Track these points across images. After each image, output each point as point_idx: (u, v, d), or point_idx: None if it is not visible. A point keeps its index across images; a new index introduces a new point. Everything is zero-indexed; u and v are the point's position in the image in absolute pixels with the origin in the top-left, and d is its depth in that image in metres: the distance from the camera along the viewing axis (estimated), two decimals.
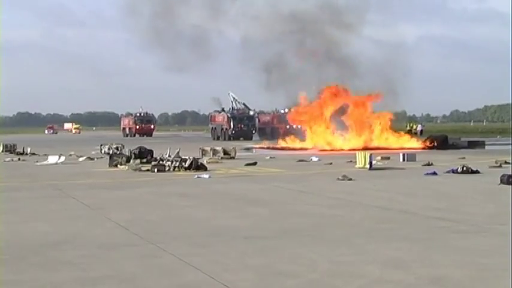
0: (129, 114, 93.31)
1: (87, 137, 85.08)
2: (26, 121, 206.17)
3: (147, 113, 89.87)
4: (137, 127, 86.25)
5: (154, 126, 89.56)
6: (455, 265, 7.85)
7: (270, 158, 30.85)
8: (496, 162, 24.17)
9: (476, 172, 20.76)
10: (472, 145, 41.45)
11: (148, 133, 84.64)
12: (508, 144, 42.82)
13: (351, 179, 18.74)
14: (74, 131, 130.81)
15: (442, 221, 11.32)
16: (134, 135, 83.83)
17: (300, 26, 49.67)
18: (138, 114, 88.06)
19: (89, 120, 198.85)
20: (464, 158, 28.22)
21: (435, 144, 39.88)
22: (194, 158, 23.56)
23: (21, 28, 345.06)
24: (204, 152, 30.28)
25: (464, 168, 20.90)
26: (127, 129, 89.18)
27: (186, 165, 22.61)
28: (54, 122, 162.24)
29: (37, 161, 28.66)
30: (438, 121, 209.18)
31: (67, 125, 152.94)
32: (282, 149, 40.48)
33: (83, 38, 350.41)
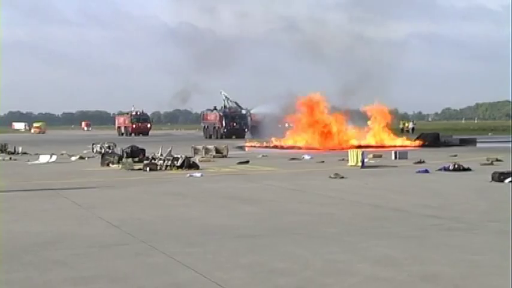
0: (124, 113, 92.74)
1: (79, 136, 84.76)
2: (18, 120, 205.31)
3: (142, 111, 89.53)
4: (133, 126, 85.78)
5: (151, 125, 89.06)
6: (447, 262, 7.87)
7: (262, 156, 30.86)
8: (488, 160, 24.28)
9: (468, 170, 20.85)
10: (463, 143, 41.63)
11: (145, 132, 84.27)
12: (499, 141, 43.02)
13: (343, 177, 18.77)
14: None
15: (434, 218, 11.35)
16: (130, 134, 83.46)
17: (290, 25, 49.84)
18: (134, 113, 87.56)
19: (81, 119, 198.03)
20: (456, 155, 28.31)
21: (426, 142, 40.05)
22: (186, 157, 23.53)
23: (7, 26, 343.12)
24: (196, 151, 30.25)
25: (456, 166, 20.98)
26: (122, 128, 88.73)
27: (178, 164, 22.59)
28: (46, 120, 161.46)
29: (28, 160, 28.56)
30: (430, 119, 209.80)
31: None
32: (275, 147, 40.51)
33: (70, 37, 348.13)
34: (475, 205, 13.03)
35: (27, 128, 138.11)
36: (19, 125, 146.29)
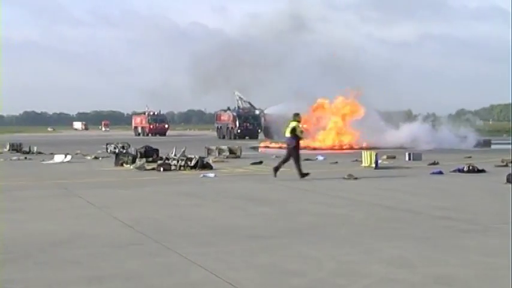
0: (140, 113, 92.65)
1: (94, 136, 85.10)
2: (33, 120, 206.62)
3: (160, 112, 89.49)
4: (150, 126, 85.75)
5: (168, 126, 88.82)
6: (461, 264, 7.84)
7: (276, 157, 30.83)
8: (502, 161, 24.13)
9: (482, 171, 20.74)
10: (478, 144, 41.37)
11: (162, 132, 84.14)
12: None
13: (356, 178, 18.74)
14: None
15: (447, 220, 11.31)
16: (147, 135, 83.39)
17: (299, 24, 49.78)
18: (151, 113, 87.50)
19: (96, 119, 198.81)
20: (470, 157, 28.18)
21: None
22: (200, 157, 23.58)
23: (19, 26, 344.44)
24: (209, 151, 30.32)
25: (470, 168, 20.88)
26: (139, 128, 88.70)
27: (192, 164, 22.65)
28: (61, 121, 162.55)
29: (43, 160, 28.74)
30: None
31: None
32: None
33: (81, 37, 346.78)
34: (489, 207, 12.96)
35: (83, 127, 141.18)
36: (77, 125, 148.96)
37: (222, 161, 27.12)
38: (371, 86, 44.04)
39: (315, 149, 37.77)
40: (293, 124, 19.24)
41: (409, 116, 51.71)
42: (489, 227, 10.56)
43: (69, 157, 28.91)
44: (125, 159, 25.23)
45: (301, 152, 34.71)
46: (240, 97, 70.70)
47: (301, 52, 49.00)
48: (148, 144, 29.15)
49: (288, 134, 19.34)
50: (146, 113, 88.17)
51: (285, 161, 19.55)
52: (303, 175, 18.93)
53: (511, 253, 8.20)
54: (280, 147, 40.33)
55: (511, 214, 11.39)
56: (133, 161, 24.61)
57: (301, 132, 19.47)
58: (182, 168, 22.50)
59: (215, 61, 67.95)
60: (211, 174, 20.46)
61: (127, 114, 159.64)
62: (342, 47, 46.98)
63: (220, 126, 69.92)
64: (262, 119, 67.50)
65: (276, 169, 19.18)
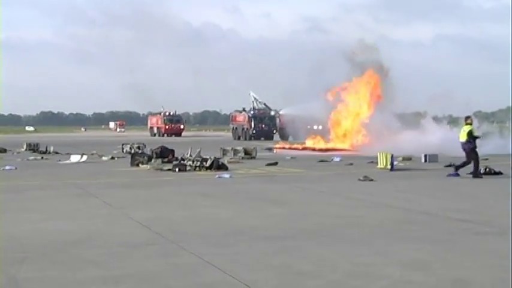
0: (156, 114, 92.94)
1: (110, 137, 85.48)
2: (49, 120, 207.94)
3: (175, 112, 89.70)
4: (166, 127, 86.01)
5: (184, 126, 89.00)
6: (477, 267, 7.80)
7: (291, 158, 30.85)
8: None
9: (499, 173, 20.60)
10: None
11: (178, 133, 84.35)
12: None
13: (372, 180, 18.69)
14: None
15: (464, 222, 11.25)
16: (163, 135, 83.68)
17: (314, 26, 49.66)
18: (167, 114, 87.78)
19: (111, 120, 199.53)
20: (487, 159, 27.95)
21: None
22: (215, 158, 23.62)
23: (33, 27, 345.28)
24: (225, 152, 30.36)
25: (487, 170, 20.76)
26: (155, 129, 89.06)
27: (207, 164, 22.69)
28: (77, 121, 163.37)
29: (59, 160, 28.93)
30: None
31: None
32: (303, 149, 40.42)
33: (96, 37, 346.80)
34: (505, 209, 12.85)
35: (115, 127, 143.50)
36: (112, 124, 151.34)
37: (237, 162, 27.15)
38: (386, 88, 43.78)
39: (327, 150, 37.68)
40: (468, 128, 20.10)
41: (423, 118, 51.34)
42: (506, 229, 10.47)
43: (85, 157, 29.08)
44: (141, 159, 25.34)
45: (318, 153, 34.76)
46: (255, 98, 70.78)
47: (315, 53, 48.75)
48: (164, 145, 29.24)
49: (463, 138, 20.13)
50: (162, 114, 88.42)
51: (466, 163, 20.18)
52: (478, 176, 19.64)
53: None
54: (295, 148, 40.38)
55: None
56: (149, 162, 24.69)
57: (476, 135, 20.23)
58: (198, 168, 22.56)
59: (225, 61, 68.11)
60: (226, 175, 20.49)
61: (143, 114, 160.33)
62: (356, 48, 46.51)
63: (236, 127, 70.02)
64: (278, 120, 67.54)
65: (457, 168, 20.03)
